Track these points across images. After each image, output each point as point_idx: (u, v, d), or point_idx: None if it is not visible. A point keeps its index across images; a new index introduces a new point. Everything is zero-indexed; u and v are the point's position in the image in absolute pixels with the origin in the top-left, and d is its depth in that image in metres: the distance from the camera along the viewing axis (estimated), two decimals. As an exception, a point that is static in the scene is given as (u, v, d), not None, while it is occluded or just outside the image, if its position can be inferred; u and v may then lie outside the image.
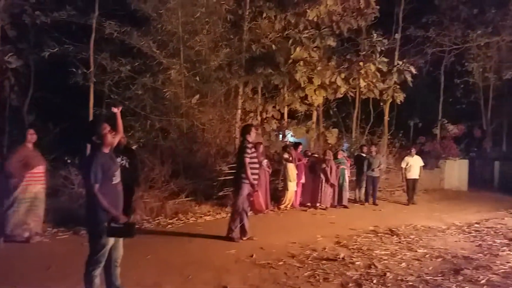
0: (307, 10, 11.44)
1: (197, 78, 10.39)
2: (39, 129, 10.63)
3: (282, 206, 9.49)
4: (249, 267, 5.12)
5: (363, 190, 11.04)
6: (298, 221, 8.56)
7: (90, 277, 3.51)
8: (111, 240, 3.52)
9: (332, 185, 10.05)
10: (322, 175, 9.90)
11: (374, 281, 4.64)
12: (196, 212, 8.43)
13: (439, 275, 4.90)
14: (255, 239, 6.43)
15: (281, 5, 11.79)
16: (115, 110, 4.04)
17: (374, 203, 10.81)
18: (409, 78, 13.31)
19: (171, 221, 7.72)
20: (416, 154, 11.52)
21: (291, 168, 9.51)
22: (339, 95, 12.86)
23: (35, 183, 5.98)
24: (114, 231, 3.45)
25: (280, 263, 5.28)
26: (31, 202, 5.94)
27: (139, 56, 10.00)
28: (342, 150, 11.73)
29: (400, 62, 13.63)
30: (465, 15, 15.50)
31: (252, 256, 5.54)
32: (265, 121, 12.29)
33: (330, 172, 9.96)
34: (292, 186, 9.52)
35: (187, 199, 8.84)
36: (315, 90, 12.11)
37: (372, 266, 5.20)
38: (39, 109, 11.79)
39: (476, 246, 6.49)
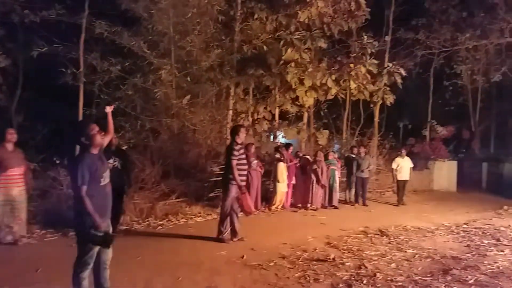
0: (298, 12, 11.46)
1: (188, 79, 10.36)
2: (28, 129, 10.59)
3: (272, 207, 9.50)
4: (240, 268, 5.12)
5: (353, 191, 11.10)
6: (289, 222, 8.57)
7: (78, 279, 3.47)
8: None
9: (323, 186, 10.09)
10: (313, 176, 9.94)
11: (364, 282, 4.67)
12: (187, 213, 8.38)
13: (428, 275, 4.95)
14: (245, 240, 6.43)
15: (272, 6, 11.81)
16: (108, 109, 4.00)
17: (364, 204, 10.88)
18: (399, 80, 13.41)
19: (161, 222, 7.67)
20: (406, 155, 11.62)
21: (282, 169, 9.53)
22: (330, 97, 12.91)
23: (11, 186, 5.78)
24: (91, 238, 3.40)
25: (271, 264, 5.29)
26: (11, 205, 5.78)
27: (130, 56, 9.94)
28: (332, 151, 11.78)
29: (390, 64, 13.72)
30: (454, 18, 15.66)
31: (243, 257, 5.53)
32: (257, 122, 12.29)
33: (321, 173, 9.99)
34: (281, 187, 9.53)
35: (177, 200, 8.80)
36: (306, 92, 12.13)
37: (362, 267, 5.23)
38: (28, 109, 11.65)
39: (465, 246, 6.55)
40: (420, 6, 15.65)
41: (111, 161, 6.26)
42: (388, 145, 14.87)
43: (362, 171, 10.88)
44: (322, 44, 12.16)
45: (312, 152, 11.47)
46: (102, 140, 3.59)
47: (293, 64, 11.63)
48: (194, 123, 10.27)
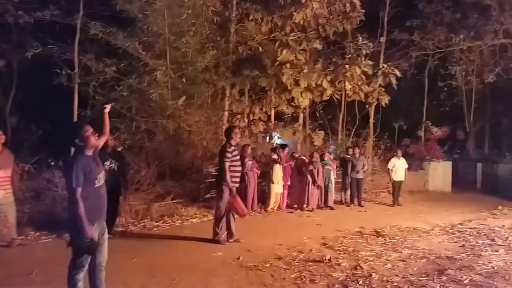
0: (294, 13, 11.50)
1: (184, 80, 10.35)
2: (22, 130, 10.53)
3: (268, 208, 9.50)
4: (236, 270, 5.11)
5: (348, 191, 11.13)
6: (285, 222, 8.57)
7: (73, 281, 3.45)
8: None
9: (318, 187, 10.10)
10: (309, 177, 9.95)
11: (360, 282, 4.68)
12: (183, 214, 8.36)
13: (424, 276, 4.96)
14: (241, 241, 6.42)
15: (267, 7, 11.84)
16: (107, 108, 3.98)
17: (359, 205, 10.90)
18: (393, 81, 13.48)
19: (157, 224, 7.64)
20: (401, 156, 11.67)
21: (277, 170, 9.53)
22: (325, 98, 12.96)
23: None
24: (75, 243, 3.38)
25: (267, 265, 5.28)
26: None
27: (125, 57, 9.92)
28: (328, 152, 11.80)
29: (385, 65, 13.80)
30: (448, 19, 15.77)
31: (239, 258, 5.53)
32: (252, 123, 12.30)
33: (317, 174, 10.01)
34: (276, 188, 9.53)
35: (173, 201, 8.77)
36: (301, 93, 12.16)
37: (358, 267, 5.24)
38: (22, 111, 11.58)
39: (460, 246, 6.58)
40: (415, 7, 15.75)
41: (107, 162, 6.26)
42: (383, 145, 14.93)
43: (357, 172, 10.91)
44: (317, 45, 12.20)
45: (307, 153, 11.49)
46: (97, 141, 3.56)
47: (288, 65, 11.66)
48: (189, 124, 10.26)
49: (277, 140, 12.96)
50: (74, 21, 9.48)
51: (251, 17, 11.58)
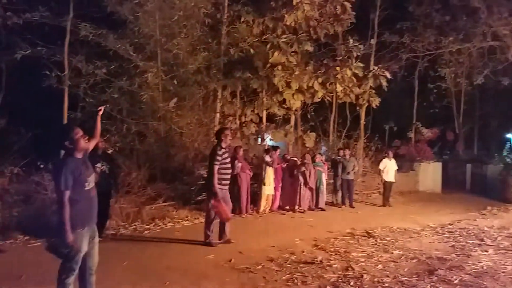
0: (285, 15, 11.54)
1: (175, 82, 10.32)
2: (11, 133, 10.38)
3: (260, 210, 9.49)
4: (228, 272, 5.10)
5: (339, 193, 11.18)
6: (276, 224, 8.57)
7: (63, 285, 3.41)
8: (85, 247, 3.43)
9: (310, 189, 10.13)
10: (301, 179, 9.96)
11: (351, 283, 4.70)
12: (174, 217, 8.32)
13: (414, 276, 5.00)
14: (232, 241, 6.42)
15: (259, 9, 11.87)
16: (100, 111, 3.98)
17: (350, 206, 10.96)
18: (384, 83, 13.59)
19: (148, 226, 7.59)
20: (392, 157, 11.78)
21: (269, 172, 9.54)
22: (316, 100, 13.00)
23: None
24: (52, 247, 3.34)
25: (259, 267, 5.28)
26: None
27: (115, 59, 9.86)
28: (319, 153, 11.85)
29: (376, 67, 13.91)
30: (438, 22, 15.94)
31: (230, 260, 5.51)
32: (244, 124, 12.30)
33: (309, 176, 10.04)
34: (268, 190, 9.53)
35: (164, 204, 8.73)
36: (293, 94, 12.20)
37: (349, 268, 5.26)
38: (11, 113, 11.43)
39: (450, 247, 6.64)
40: (405, 10, 15.89)
41: (98, 165, 6.21)
42: (374, 147, 15.02)
43: (348, 173, 10.97)
44: (309, 47, 12.25)
45: (299, 155, 11.52)
46: (87, 144, 3.54)
47: (280, 67, 11.69)
48: (181, 126, 10.23)
49: (269, 142, 12.97)
50: (64, 22, 9.41)
51: (242, 19, 11.60)
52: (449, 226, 8.32)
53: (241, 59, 11.61)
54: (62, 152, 3.53)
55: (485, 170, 16.20)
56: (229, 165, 6.45)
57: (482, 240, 7.07)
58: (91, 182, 3.49)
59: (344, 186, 11.03)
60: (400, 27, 15.73)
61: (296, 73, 11.91)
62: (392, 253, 6.11)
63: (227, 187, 6.44)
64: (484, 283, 4.80)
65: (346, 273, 5.09)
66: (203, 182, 8.15)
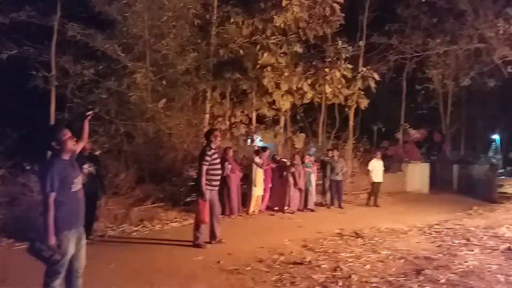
0: (274, 16, 11.56)
1: (164, 82, 10.27)
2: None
3: (249, 211, 9.49)
4: (217, 273, 5.08)
5: (328, 193, 11.24)
6: (266, 225, 8.58)
7: (49, 288, 3.37)
8: (71, 250, 3.40)
9: (300, 189, 10.16)
10: (290, 179, 9.99)
11: (340, 284, 4.72)
12: (163, 218, 8.27)
13: (402, 276, 5.04)
14: (224, 241, 6.42)
15: (248, 10, 11.87)
16: (89, 114, 3.95)
17: (339, 206, 11.03)
18: (372, 84, 13.69)
19: (136, 228, 7.53)
20: (380, 158, 11.90)
21: (259, 173, 9.55)
22: (306, 101, 13.05)
23: None
24: (34, 250, 3.31)
25: (248, 268, 5.27)
26: None
27: (104, 59, 9.78)
28: (309, 154, 11.90)
29: (364, 69, 14.01)
30: (425, 24, 16.13)
31: (219, 262, 5.50)
32: (234, 125, 12.29)
33: (298, 176, 10.07)
34: (257, 191, 9.54)
35: (153, 205, 8.68)
36: (282, 96, 12.22)
37: (338, 269, 5.29)
38: (-3, 113, 11.26)
39: (437, 246, 6.72)
40: (393, 12, 16.05)
41: (86, 166, 6.16)
42: (363, 148, 15.13)
43: (337, 174, 11.04)
44: (298, 48, 12.29)
45: (289, 156, 11.55)
46: (74, 146, 3.50)
47: (269, 68, 11.71)
48: (170, 127, 10.18)
49: (259, 142, 12.98)
50: (51, 22, 9.30)
51: (232, 20, 11.58)
52: (436, 226, 8.41)
53: (230, 60, 11.60)
54: (49, 153, 3.49)
55: (471, 171, 16.46)
56: (218, 166, 6.44)
57: (468, 240, 7.16)
58: (78, 184, 3.46)
59: (333, 187, 11.10)
60: (388, 29, 15.88)
61: (286, 74, 11.93)
62: (380, 253, 6.16)
63: (217, 188, 6.43)
64: (470, 282, 4.86)
65: (334, 273, 5.12)
66: (193, 183, 8.12)
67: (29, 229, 6.23)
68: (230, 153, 9.08)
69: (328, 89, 12.89)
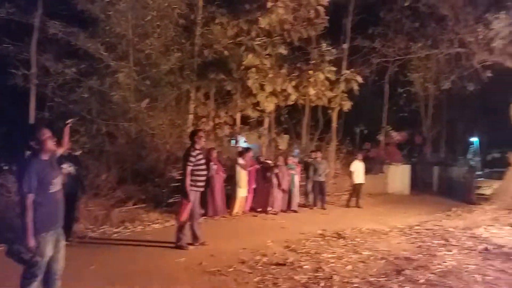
0: (259, 18, 11.57)
1: (147, 82, 10.18)
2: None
3: (233, 213, 9.48)
4: (199, 275, 5.06)
5: (311, 195, 11.31)
6: (249, 226, 8.58)
7: (26, 291, 3.31)
8: (49, 252, 3.34)
9: (283, 190, 10.20)
10: (274, 180, 10.02)
11: (322, 284, 4.76)
12: (144, 220, 8.18)
13: (382, 276, 5.11)
14: (207, 244, 6.39)
15: (233, 11, 11.86)
16: (68, 122, 3.91)
17: (322, 207, 11.11)
18: (355, 87, 13.83)
19: (117, 230, 7.43)
20: (361, 159, 12.07)
21: (243, 174, 9.54)
22: (290, 102, 13.11)
23: None
24: (13, 252, 3.24)
25: (230, 269, 5.27)
26: None
27: (86, 58, 9.67)
28: (292, 155, 11.96)
29: (348, 71, 14.14)
30: (408, 28, 16.37)
31: (201, 263, 5.47)
32: (218, 126, 12.26)
33: (282, 178, 10.11)
34: (242, 192, 9.54)
35: (135, 206, 8.58)
36: (266, 97, 12.25)
37: (320, 270, 5.33)
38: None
39: (416, 247, 6.83)
40: (376, 15, 16.25)
41: (65, 166, 6.07)
42: (345, 150, 15.28)
43: (320, 175, 11.12)
44: (283, 50, 12.34)
45: (273, 157, 11.58)
46: (54, 146, 3.45)
47: (254, 69, 11.72)
48: (153, 127, 10.10)
49: (243, 144, 12.98)
50: (32, 19, 9.13)
51: (217, 21, 11.55)
52: (416, 227, 8.55)
53: (215, 60, 11.57)
54: (28, 153, 3.43)
55: (451, 173, 16.79)
56: (203, 167, 6.42)
57: (447, 240, 7.30)
58: (57, 185, 3.40)
59: (316, 188, 11.18)
60: (371, 32, 16.05)
61: (270, 76, 11.97)
62: (361, 253, 6.23)
63: (202, 189, 6.42)
64: (448, 282, 4.96)
65: (316, 274, 5.15)
66: (177, 184, 8.06)
67: (6, 230, 6.12)
68: (214, 154, 9.06)
69: (312, 91, 12.98)
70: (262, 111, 12.93)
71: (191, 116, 11.34)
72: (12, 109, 9.74)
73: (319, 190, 11.19)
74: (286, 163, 10.50)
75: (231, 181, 9.67)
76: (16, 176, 4.22)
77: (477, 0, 13.34)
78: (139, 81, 10.05)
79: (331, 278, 4.96)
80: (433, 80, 18.22)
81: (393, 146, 17.67)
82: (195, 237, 6.40)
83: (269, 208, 9.98)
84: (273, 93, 12.29)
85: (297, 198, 10.70)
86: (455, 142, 23.45)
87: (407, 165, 16.84)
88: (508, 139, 14.58)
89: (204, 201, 7.61)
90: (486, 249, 6.65)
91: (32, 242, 3.18)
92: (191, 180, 6.14)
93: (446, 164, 18.23)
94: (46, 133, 3.39)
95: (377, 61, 16.39)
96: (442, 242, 7.18)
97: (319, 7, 12.35)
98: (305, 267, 5.45)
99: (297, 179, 10.74)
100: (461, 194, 14.11)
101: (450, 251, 6.52)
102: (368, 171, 12.17)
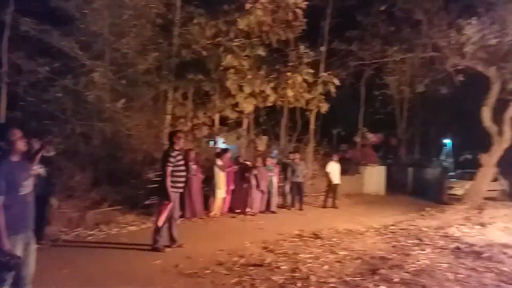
0: (238, 19, 11.55)
1: (124, 82, 10.00)
2: None
3: (211, 214, 9.43)
4: (175, 277, 5.01)
5: (289, 195, 11.38)
6: (227, 228, 8.56)
7: (-6, 297, 3.19)
8: (19, 255, 3.23)
9: (262, 191, 10.21)
10: (252, 181, 10.03)
11: (299, 285, 4.79)
12: (120, 222, 8.03)
13: (358, 276, 5.19)
14: (184, 246, 6.34)
15: (212, 12, 11.79)
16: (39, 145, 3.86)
17: (300, 208, 11.18)
18: (332, 89, 13.98)
19: (91, 232, 7.26)
20: (337, 160, 12.24)
21: (221, 176, 9.51)
22: (268, 104, 13.12)
23: None
24: None
25: (207, 271, 5.23)
26: None
27: (60, 57, 9.41)
28: (271, 157, 12.00)
29: (325, 74, 14.29)
30: (384, 32, 16.69)
31: (178, 265, 5.42)
32: (196, 127, 12.16)
33: (261, 179, 10.12)
34: (220, 193, 9.51)
35: (110, 208, 8.41)
36: (245, 98, 12.23)
37: (297, 270, 5.36)
38: None
39: (391, 247, 6.96)
40: (354, 19, 16.50)
41: (35, 167, 5.87)
42: (323, 151, 15.44)
43: (298, 176, 11.20)
44: (261, 52, 12.34)
45: (251, 158, 11.59)
46: (24, 146, 3.35)
47: (232, 70, 11.68)
48: (129, 127, 9.93)
49: (222, 145, 12.93)
50: (3, 16, 8.84)
51: (195, 21, 11.46)
52: (391, 227, 8.71)
53: (193, 61, 11.47)
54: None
55: (425, 174, 17.19)
56: (183, 168, 6.38)
57: (420, 240, 7.46)
58: (27, 187, 3.30)
59: (294, 189, 11.25)
60: (349, 35, 16.28)
61: (249, 77, 11.95)
62: (338, 253, 6.30)
63: (181, 190, 6.39)
64: (422, 280, 5.07)
65: (293, 274, 5.18)
66: (154, 185, 7.95)
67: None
68: (192, 155, 9.00)
69: (290, 93, 13.04)
70: (241, 112, 12.90)
71: (168, 117, 11.20)
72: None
73: (297, 191, 11.26)
74: (264, 164, 10.53)
75: (209, 182, 9.62)
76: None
77: (450, 6, 13.72)
78: (115, 81, 9.87)
79: (308, 278, 5.00)
80: (408, 83, 18.62)
81: (369, 148, 17.97)
82: (172, 239, 6.34)
83: (247, 209, 9.98)
84: (252, 94, 12.29)
85: (275, 199, 10.74)
86: (429, 144, 24.04)
87: (383, 166, 17.16)
88: (479, 141, 15.03)
89: (182, 202, 7.54)
90: (458, 248, 6.83)
91: (8, 245, 3.07)
92: (171, 181, 6.09)
93: (420, 165, 18.66)
94: (17, 134, 3.29)
95: (354, 64, 16.65)
96: (416, 241, 7.34)
97: (297, 10, 12.42)
98: (282, 267, 5.47)
99: (275, 180, 10.78)
100: (434, 195, 14.47)
101: (424, 250, 6.67)
102: (344, 172, 12.35)
